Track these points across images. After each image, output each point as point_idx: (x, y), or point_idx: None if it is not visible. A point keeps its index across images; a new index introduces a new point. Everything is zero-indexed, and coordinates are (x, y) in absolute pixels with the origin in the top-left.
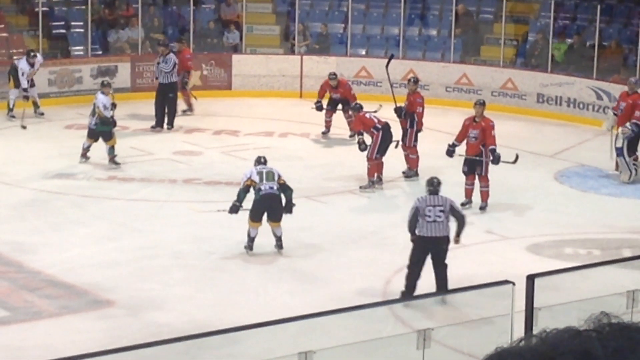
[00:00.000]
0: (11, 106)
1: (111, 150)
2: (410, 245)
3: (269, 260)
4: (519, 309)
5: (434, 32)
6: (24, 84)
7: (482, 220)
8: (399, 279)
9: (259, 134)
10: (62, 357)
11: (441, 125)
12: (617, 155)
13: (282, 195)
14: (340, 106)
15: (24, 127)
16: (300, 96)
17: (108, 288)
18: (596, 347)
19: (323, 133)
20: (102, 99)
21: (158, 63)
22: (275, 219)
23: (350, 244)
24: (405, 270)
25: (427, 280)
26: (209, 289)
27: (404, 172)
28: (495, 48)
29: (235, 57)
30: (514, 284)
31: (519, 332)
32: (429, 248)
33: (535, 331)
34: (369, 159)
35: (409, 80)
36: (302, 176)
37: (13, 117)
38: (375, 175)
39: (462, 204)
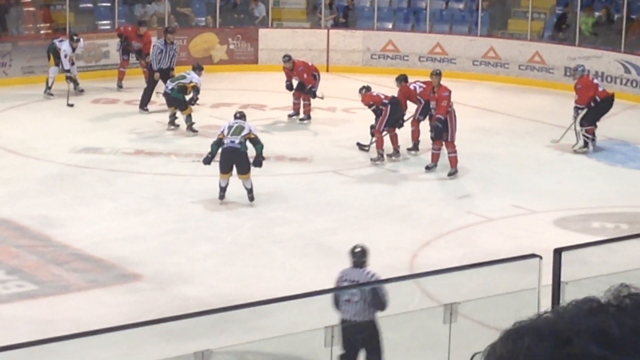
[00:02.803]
0: (50, 84)
1: (188, 118)
2: (435, 219)
3: (295, 235)
4: (546, 283)
5: (460, 6)
6: (67, 65)
7: (508, 194)
8: (425, 253)
9: (285, 108)
10: (90, 330)
11: (468, 99)
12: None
13: (253, 149)
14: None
15: (70, 105)
16: (327, 70)
17: (135, 262)
18: (612, 326)
19: (289, 116)
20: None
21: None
22: (241, 171)
23: (377, 218)
24: (430, 246)
25: (447, 255)
26: (236, 263)
27: (408, 149)
28: (522, 21)
29: (262, 31)
30: (541, 257)
31: (546, 306)
32: (351, 337)
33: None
34: (376, 131)
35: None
36: (328, 150)
37: (51, 95)
38: (392, 147)
39: (427, 167)
